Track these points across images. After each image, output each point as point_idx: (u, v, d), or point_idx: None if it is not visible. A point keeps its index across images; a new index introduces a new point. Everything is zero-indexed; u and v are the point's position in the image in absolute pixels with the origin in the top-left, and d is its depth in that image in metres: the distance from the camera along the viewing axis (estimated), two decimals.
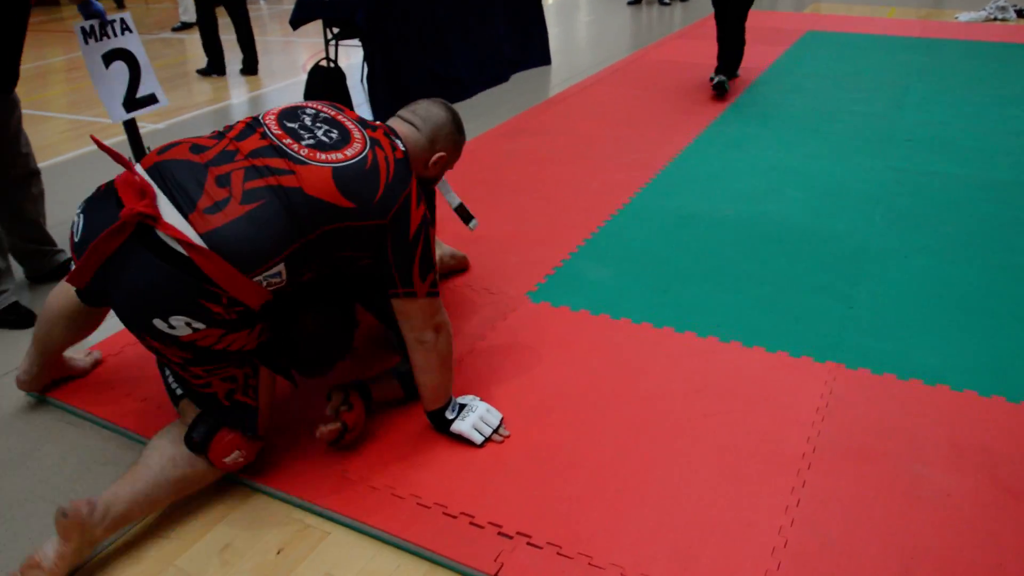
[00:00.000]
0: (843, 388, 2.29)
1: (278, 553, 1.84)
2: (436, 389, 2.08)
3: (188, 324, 1.69)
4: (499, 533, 1.83)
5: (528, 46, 3.23)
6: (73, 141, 5.03)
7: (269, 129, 1.85)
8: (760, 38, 6.81)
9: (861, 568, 1.71)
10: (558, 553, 1.77)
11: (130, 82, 3.02)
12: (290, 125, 1.88)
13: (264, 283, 1.73)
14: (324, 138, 1.87)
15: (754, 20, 6.10)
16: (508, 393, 2.31)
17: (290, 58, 7.48)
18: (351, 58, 6.52)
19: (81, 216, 1.79)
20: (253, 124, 1.88)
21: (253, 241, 1.69)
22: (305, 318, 1.95)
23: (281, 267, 1.75)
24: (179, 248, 1.65)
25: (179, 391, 1.97)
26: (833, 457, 2.03)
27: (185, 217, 1.67)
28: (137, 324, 1.73)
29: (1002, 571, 1.71)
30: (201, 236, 1.66)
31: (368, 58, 2.58)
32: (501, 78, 3.12)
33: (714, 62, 5.45)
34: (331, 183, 1.78)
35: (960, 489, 1.92)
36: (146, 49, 3.09)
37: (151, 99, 3.10)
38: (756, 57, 6.20)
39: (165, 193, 1.70)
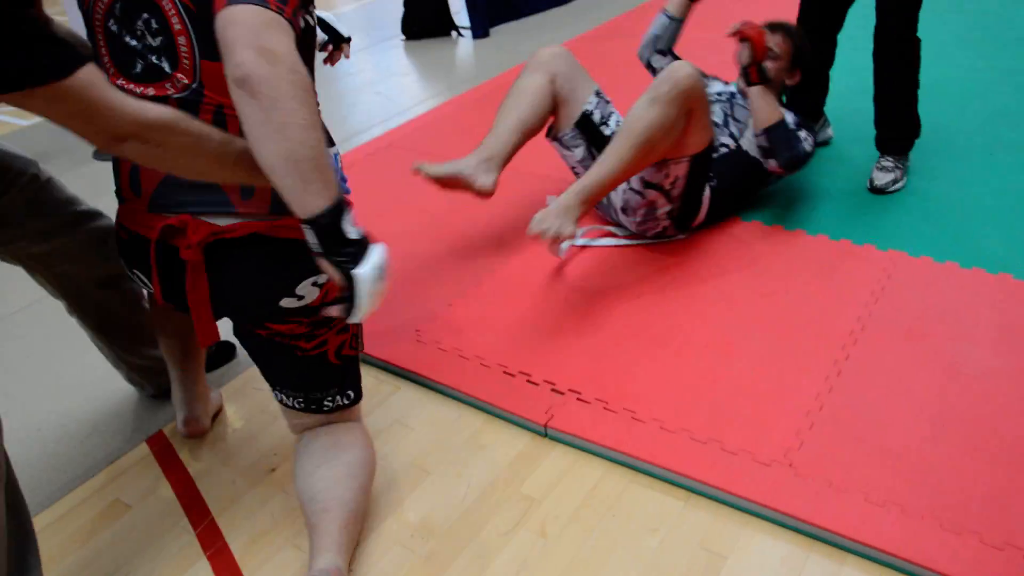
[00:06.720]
0: (902, 274, 2.32)
1: None
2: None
3: (314, 284, 1.55)
4: (552, 390, 2.00)
5: None
6: None
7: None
8: None
9: (891, 432, 1.80)
10: (604, 408, 1.93)
11: None
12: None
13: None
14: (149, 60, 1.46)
15: None
16: (566, 266, 2.45)
17: None
18: None
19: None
20: None
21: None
22: None
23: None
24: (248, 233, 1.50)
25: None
26: (880, 335, 2.09)
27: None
28: (267, 317, 1.57)
29: None
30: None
31: None
32: None
33: None
34: None
35: (1005, 369, 1.96)
36: None
37: None
38: None
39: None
